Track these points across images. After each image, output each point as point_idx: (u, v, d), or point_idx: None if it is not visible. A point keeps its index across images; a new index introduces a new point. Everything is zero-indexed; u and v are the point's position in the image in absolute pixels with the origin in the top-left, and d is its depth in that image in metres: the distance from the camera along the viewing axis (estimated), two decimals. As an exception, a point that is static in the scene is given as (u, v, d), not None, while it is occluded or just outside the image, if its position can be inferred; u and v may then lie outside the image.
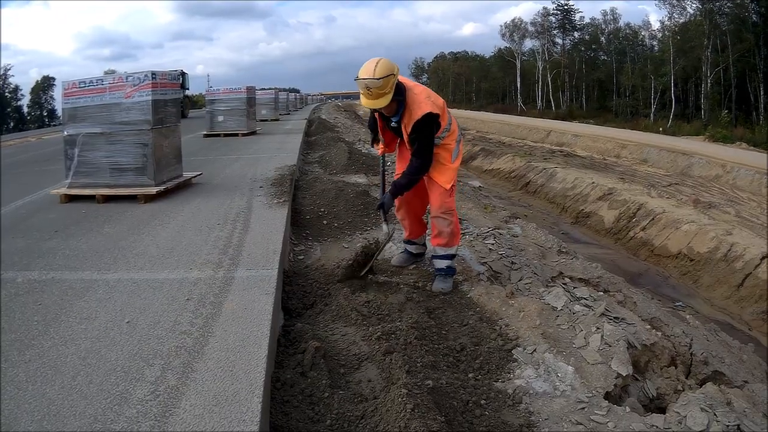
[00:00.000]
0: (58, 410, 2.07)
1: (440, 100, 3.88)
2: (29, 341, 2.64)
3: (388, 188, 4.03)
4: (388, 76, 3.54)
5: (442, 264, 3.99)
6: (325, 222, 5.61)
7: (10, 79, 60.60)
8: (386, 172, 4.43)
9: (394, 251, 4.65)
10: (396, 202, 4.16)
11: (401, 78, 3.82)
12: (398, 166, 4.24)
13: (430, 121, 3.69)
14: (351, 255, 4.04)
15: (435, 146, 3.83)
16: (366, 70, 3.58)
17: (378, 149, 4.30)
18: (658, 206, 11.60)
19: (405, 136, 3.87)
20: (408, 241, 4.43)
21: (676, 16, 42.48)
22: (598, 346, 3.22)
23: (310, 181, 7.54)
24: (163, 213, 5.26)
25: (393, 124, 3.92)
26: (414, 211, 4.28)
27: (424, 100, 3.71)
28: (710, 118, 35.87)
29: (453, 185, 3.93)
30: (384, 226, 4.02)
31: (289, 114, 29.01)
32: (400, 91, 3.70)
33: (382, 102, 3.63)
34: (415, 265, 4.42)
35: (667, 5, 42.57)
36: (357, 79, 3.66)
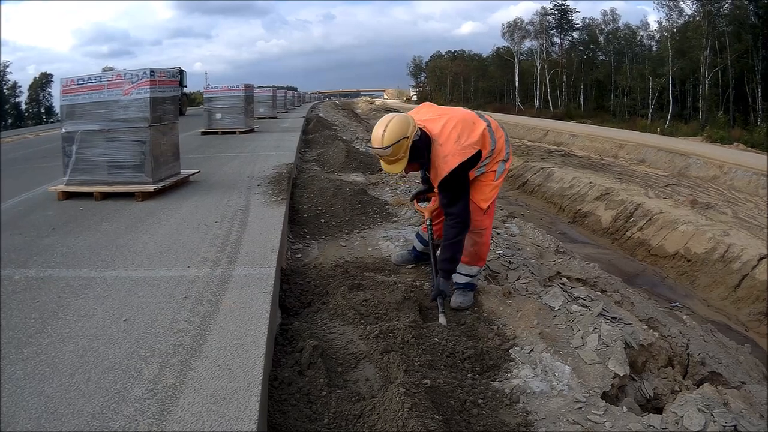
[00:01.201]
0: (56, 408, 2.07)
1: (475, 134, 3.42)
2: (27, 339, 2.64)
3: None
4: (399, 141, 3.22)
5: (460, 279, 3.71)
6: (322, 220, 5.61)
7: (8, 76, 60.46)
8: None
9: (392, 249, 4.65)
10: (432, 201, 3.88)
11: (422, 119, 3.50)
12: (434, 199, 3.90)
13: (459, 173, 3.34)
14: None
15: (480, 174, 3.59)
16: (375, 138, 3.28)
17: (419, 209, 3.97)
18: (656, 206, 11.63)
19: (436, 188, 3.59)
20: (419, 236, 4.18)
21: (675, 18, 42.59)
22: (595, 346, 3.22)
23: (308, 179, 7.53)
24: (160, 211, 5.26)
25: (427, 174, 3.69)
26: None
27: (451, 152, 3.31)
28: (708, 118, 35.98)
29: (492, 203, 3.65)
30: (442, 318, 3.45)
31: (286, 112, 29.00)
32: (420, 150, 3.34)
33: (398, 167, 3.36)
34: (413, 265, 4.32)
35: (665, 7, 42.68)
36: (368, 146, 3.39)
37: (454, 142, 3.34)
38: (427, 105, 3.80)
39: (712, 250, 9.29)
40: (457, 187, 3.38)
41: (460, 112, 3.62)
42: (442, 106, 3.77)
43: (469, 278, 3.74)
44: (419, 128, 3.39)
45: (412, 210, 5.80)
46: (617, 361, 3.10)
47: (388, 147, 3.22)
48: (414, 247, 4.29)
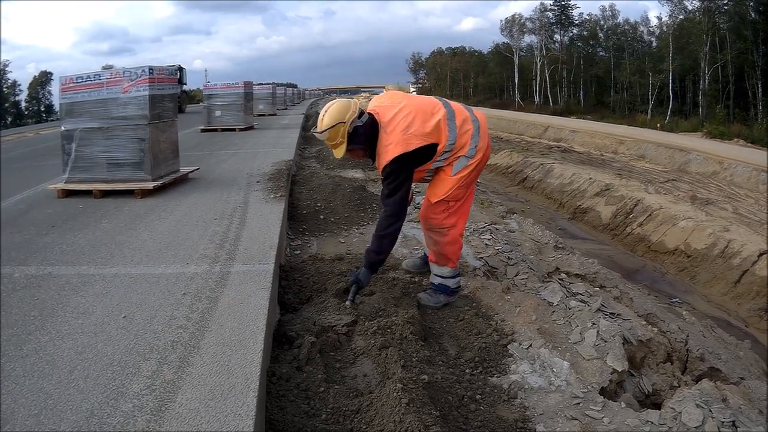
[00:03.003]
0: (55, 404, 2.08)
1: (428, 125, 3.29)
2: (26, 336, 2.65)
3: None
4: (335, 126, 3.27)
5: (434, 279, 3.68)
6: (321, 217, 5.61)
7: (8, 75, 60.46)
8: None
9: (406, 254, 4.63)
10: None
11: (380, 106, 3.45)
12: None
13: (402, 162, 3.24)
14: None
15: (439, 168, 3.45)
16: (318, 122, 3.36)
17: None
18: (656, 202, 11.63)
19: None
20: None
21: (677, 14, 42.47)
22: (593, 341, 3.23)
23: (307, 176, 7.53)
24: (160, 208, 5.26)
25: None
26: None
27: (394, 140, 3.24)
28: (708, 114, 35.98)
29: (446, 200, 3.45)
30: (348, 303, 3.37)
31: (286, 109, 28.94)
32: (360, 136, 3.33)
33: (339, 152, 3.37)
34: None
35: (669, 3, 42.52)
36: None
37: (401, 131, 3.26)
38: (392, 93, 3.70)
39: (712, 246, 9.29)
40: (395, 180, 3.29)
41: (422, 100, 3.52)
42: (408, 95, 3.67)
43: (441, 279, 3.63)
44: (370, 114, 3.40)
45: (411, 206, 5.81)
46: (616, 357, 3.10)
47: (324, 131, 3.29)
48: (425, 253, 4.11)
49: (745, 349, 4.97)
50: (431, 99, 3.55)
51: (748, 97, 36.14)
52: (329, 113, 3.30)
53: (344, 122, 3.28)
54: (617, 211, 12.07)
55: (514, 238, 5.54)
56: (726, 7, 37.62)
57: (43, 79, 65.27)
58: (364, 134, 3.34)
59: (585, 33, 59.32)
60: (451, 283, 3.65)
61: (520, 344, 3.21)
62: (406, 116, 3.31)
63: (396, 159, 3.22)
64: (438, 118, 3.35)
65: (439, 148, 3.34)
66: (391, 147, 3.24)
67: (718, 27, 37.36)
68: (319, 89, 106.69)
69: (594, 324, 3.39)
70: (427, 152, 3.32)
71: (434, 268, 3.66)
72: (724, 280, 8.62)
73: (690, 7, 40.94)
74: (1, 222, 4.84)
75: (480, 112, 3.62)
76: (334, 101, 3.40)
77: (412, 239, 4.96)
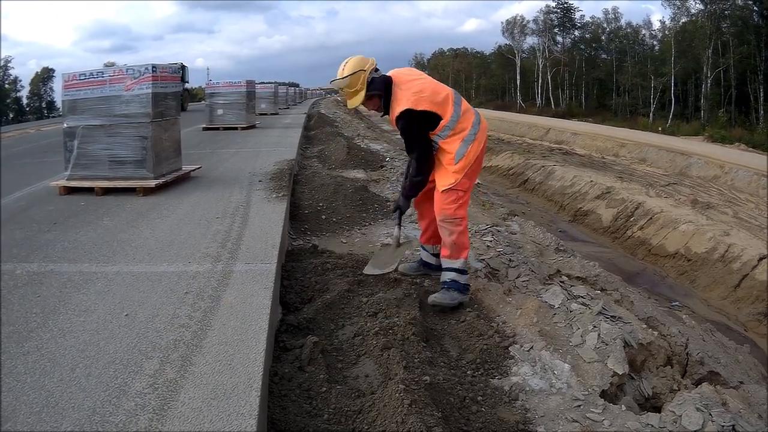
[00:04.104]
0: (57, 402, 2.08)
1: (439, 96, 3.56)
2: (28, 333, 2.65)
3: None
4: (356, 72, 3.58)
5: (445, 276, 3.67)
6: (323, 217, 5.61)
7: (10, 71, 60.53)
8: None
9: (407, 255, 4.63)
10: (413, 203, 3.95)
11: (398, 72, 3.72)
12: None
13: (411, 118, 3.49)
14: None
15: (437, 146, 3.60)
16: (338, 72, 3.66)
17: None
18: (656, 206, 11.64)
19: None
20: (423, 246, 4.14)
21: (680, 17, 42.53)
22: (594, 344, 3.23)
23: (309, 175, 7.53)
24: (162, 206, 5.26)
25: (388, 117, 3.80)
26: (428, 214, 3.93)
27: (408, 96, 3.51)
28: (709, 118, 36.02)
29: (455, 189, 3.54)
30: (395, 230, 4.00)
31: (288, 108, 28.93)
32: (378, 86, 3.62)
33: (357, 100, 3.66)
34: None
35: (673, 6, 42.55)
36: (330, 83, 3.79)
37: (414, 92, 3.53)
38: (411, 68, 4.01)
39: (713, 250, 9.30)
40: (408, 135, 3.60)
41: (436, 81, 3.79)
42: (426, 75, 3.90)
43: (453, 274, 3.64)
44: (385, 74, 3.70)
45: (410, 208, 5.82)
46: (616, 360, 3.10)
47: (346, 77, 3.59)
48: (421, 257, 4.18)
49: (744, 354, 4.98)
50: (444, 85, 3.81)
51: (749, 102, 36.21)
52: (350, 63, 3.63)
53: (365, 70, 3.60)
54: (618, 214, 12.08)
55: (515, 240, 5.54)
56: (729, 11, 37.66)
57: (45, 76, 65.35)
58: (380, 84, 3.63)
59: (587, 36, 59.40)
60: (462, 279, 3.67)
61: (522, 346, 3.21)
62: (420, 83, 3.62)
63: (404, 112, 3.49)
64: (447, 94, 3.63)
65: (441, 122, 3.56)
66: (402, 101, 3.52)
67: (721, 31, 37.39)
68: (322, 89, 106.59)
69: (595, 327, 3.39)
70: (431, 120, 3.56)
71: (447, 263, 3.67)
72: (723, 284, 8.62)
73: (693, 11, 41.03)
74: (1, 218, 4.84)
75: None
76: (350, 57, 3.70)
77: (414, 241, 4.95)
